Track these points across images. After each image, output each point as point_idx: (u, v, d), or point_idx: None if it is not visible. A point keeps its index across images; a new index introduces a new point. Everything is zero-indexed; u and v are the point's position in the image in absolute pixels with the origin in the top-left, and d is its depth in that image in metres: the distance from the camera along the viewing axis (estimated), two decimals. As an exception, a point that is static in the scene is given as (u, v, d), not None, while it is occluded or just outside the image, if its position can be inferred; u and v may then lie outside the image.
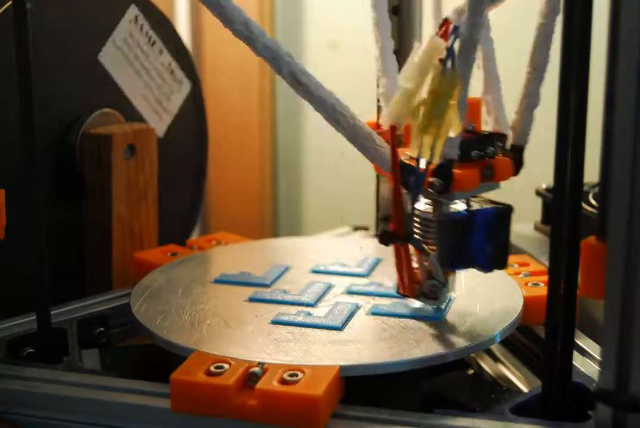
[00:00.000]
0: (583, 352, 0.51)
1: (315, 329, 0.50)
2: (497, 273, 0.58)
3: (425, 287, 0.50)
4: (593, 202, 0.67)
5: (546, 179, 0.66)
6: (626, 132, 0.37)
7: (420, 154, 0.46)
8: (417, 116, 0.45)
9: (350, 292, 0.56)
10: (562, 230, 0.42)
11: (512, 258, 0.62)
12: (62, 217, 0.65)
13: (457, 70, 0.44)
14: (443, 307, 0.52)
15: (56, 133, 0.64)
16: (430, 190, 0.47)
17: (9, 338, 0.53)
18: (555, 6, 0.47)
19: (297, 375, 0.44)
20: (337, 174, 1.25)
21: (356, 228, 0.80)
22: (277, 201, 1.31)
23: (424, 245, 0.49)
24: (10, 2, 0.56)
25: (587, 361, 0.50)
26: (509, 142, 0.51)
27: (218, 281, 0.57)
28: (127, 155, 0.65)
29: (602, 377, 0.40)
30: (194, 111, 0.77)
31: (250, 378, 0.44)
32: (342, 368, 0.45)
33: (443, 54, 0.44)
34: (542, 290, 0.52)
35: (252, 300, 0.54)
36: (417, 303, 0.52)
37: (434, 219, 0.49)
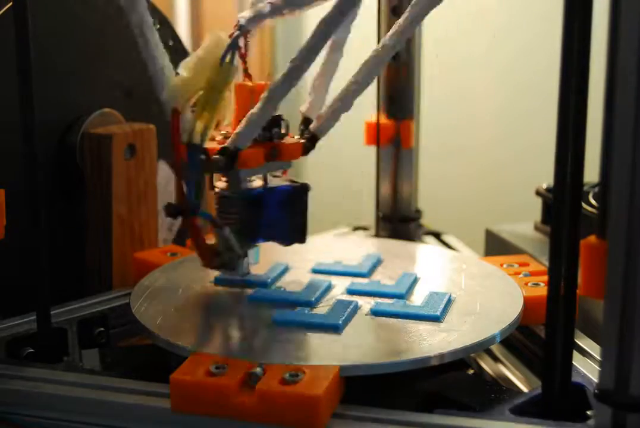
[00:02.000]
0: (583, 352, 0.51)
1: (315, 329, 0.50)
2: (497, 273, 0.59)
3: (223, 259, 0.53)
4: (593, 202, 0.67)
5: (546, 179, 0.66)
6: (626, 132, 0.38)
7: (194, 137, 0.50)
8: (192, 103, 0.50)
9: (350, 292, 0.56)
10: (562, 230, 0.42)
11: (512, 259, 0.62)
12: (62, 216, 0.65)
13: (231, 64, 0.49)
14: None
15: (56, 133, 0.64)
16: (214, 167, 0.51)
17: (9, 338, 0.53)
18: (397, 43, 0.53)
19: (297, 375, 0.43)
20: (337, 173, 1.25)
21: (356, 228, 0.80)
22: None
23: (215, 220, 0.53)
24: (10, 3, 0.56)
25: (587, 361, 0.50)
26: (311, 128, 0.55)
27: (218, 280, 0.57)
28: (127, 155, 0.65)
29: (602, 377, 0.40)
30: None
31: (250, 378, 0.44)
32: (342, 368, 0.45)
33: (223, 49, 0.49)
34: (542, 290, 0.52)
35: (252, 299, 0.54)
36: (417, 303, 0.53)
37: (226, 195, 0.53)
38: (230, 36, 0.50)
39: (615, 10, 0.38)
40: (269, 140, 0.53)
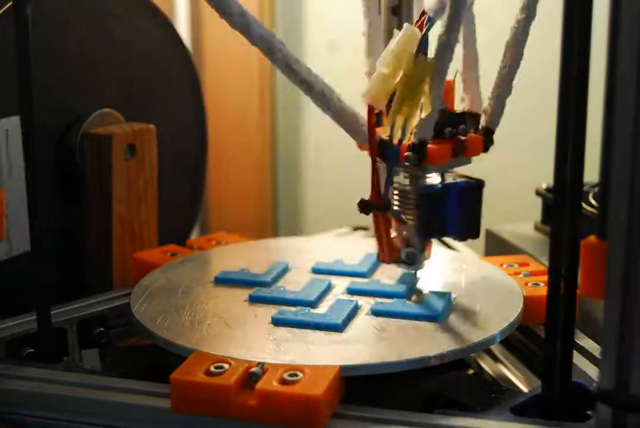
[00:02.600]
0: (583, 352, 0.51)
1: (315, 329, 0.50)
2: (497, 273, 0.59)
3: (403, 254, 0.54)
4: (593, 202, 0.67)
5: (546, 179, 0.66)
6: (626, 132, 0.37)
7: (393, 132, 0.50)
8: (391, 99, 0.49)
9: (351, 292, 0.56)
10: (562, 230, 0.42)
11: (512, 258, 0.62)
12: (62, 217, 0.65)
13: (428, 58, 0.48)
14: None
15: (56, 133, 0.64)
16: (406, 163, 0.50)
17: (9, 338, 0.53)
18: (531, 12, 0.52)
19: (297, 375, 0.43)
20: (337, 173, 1.25)
21: (356, 229, 0.80)
22: (277, 201, 1.31)
23: (402, 216, 0.53)
24: (10, 3, 0.56)
25: (587, 361, 0.50)
26: (482, 123, 0.55)
27: (218, 278, 0.57)
28: (127, 155, 0.65)
29: (602, 377, 0.40)
30: (193, 111, 0.77)
31: (250, 378, 0.44)
32: (342, 368, 0.45)
33: (417, 42, 0.48)
34: (542, 290, 0.52)
35: (252, 299, 0.54)
36: (418, 302, 0.53)
37: (411, 191, 0.53)
38: (419, 28, 0.49)
39: (615, 10, 0.38)
40: (455, 136, 0.52)
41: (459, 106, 0.55)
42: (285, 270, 0.60)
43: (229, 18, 0.46)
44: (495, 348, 0.63)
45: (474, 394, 0.49)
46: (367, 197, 0.52)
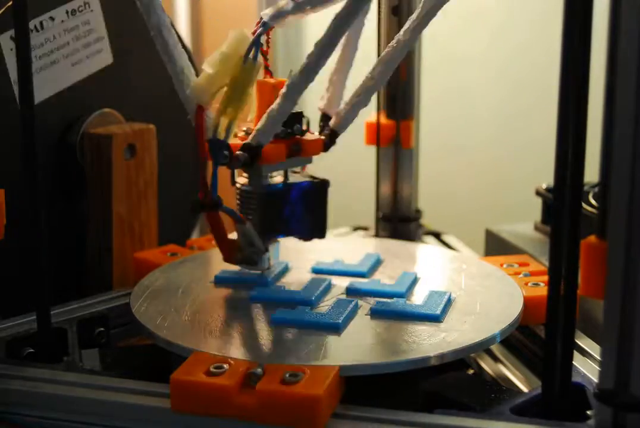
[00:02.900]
0: (583, 352, 0.51)
1: (315, 328, 0.50)
2: (497, 273, 0.59)
3: (245, 254, 0.54)
4: (593, 202, 0.67)
5: (546, 179, 0.66)
6: (626, 132, 0.37)
7: (217, 133, 0.50)
8: (217, 99, 0.51)
9: (350, 291, 0.56)
10: (562, 230, 0.42)
11: (512, 259, 0.62)
12: (62, 216, 0.65)
13: (255, 63, 0.50)
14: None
15: (56, 133, 0.64)
16: (238, 163, 0.51)
17: (9, 338, 0.53)
18: (414, 36, 0.54)
19: (297, 375, 0.43)
20: (337, 173, 1.25)
21: (356, 229, 0.80)
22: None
23: (240, 215, 0.54)
24: (10, 3, 0.56)
25: (587, 361, 0.50)
26: (331, 124, 0.56)
27: (218, 278, 0.57)
28: (127, 155, 0.65)
29: (602, 377, 0.40)
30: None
31: (250, 378, 0.44)
32: (342, 368, 0.45)
33: (246, 46, 0.50)
34: (542, 290, 0.52)
35: (252, 299, 0.54)
36: (418, 302, 0.53)
37: (248, 190, 0.54)
38: (252, 33, 0.50)
39: (616, 9, 0.38)
40: (290, 136, 0.54)
41: (315, 103, 0.56)
42: (285, 270, 0.60)
43: None
44: (495, 348, 0.63)
45: (474, 394, 0.49)
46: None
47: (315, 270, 0.60)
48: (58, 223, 0.64)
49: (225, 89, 0.50)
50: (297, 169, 0.56)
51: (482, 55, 1.21)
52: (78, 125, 0.64)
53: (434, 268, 0.62)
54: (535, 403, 0.46)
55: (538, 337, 0.54)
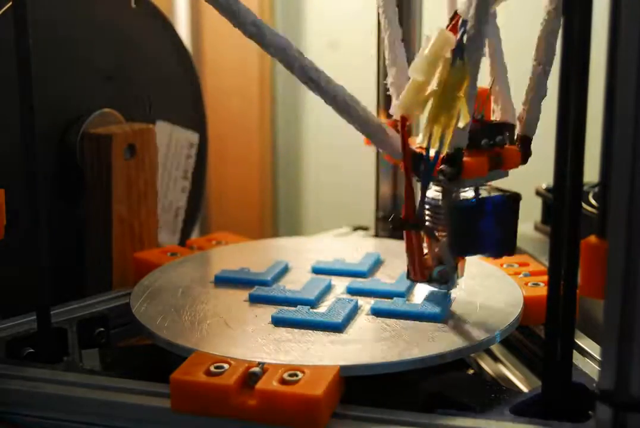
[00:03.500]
0: (583, 352, 0.51)
1: (315, 328, 0.50)
2: (497, 273, 0.59)
3: (435, 273, 0.52)
4: (593, 202, 0.67)
5: (546, 179, 0.66)
6: (626, 132, 0.37)
7: (430, 144, 0.47)
8: (426, 107, 0.47)
9: (351, 291, 0.56)
10: (562, 230, 0.42)
11: (512, 259, 0.62)
12: (62, 216, 0.65)
13: (466, 63, 0.46)
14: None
15: (56, 133, 0.64)
16: (441, 177, 0.48)
17: (9, 338, 0.53)
18: (560, 2, 0.48)
19: (297, 375, 0.43)
20: (337, 173, 1.25)
21: (356, 229, 0.80)
22: (277, 201, 1.31)
23: (435, 232, 0.51)
24: (10, 3, 0.56)
25: (587, 361, 0.50)
26: (517, 132, 0.52)
27: (218, 277, 0.57)
28: (127, 155, 0.65)
29: (602, 377, 0.40)
30: (193, 111, 0.77)
31: (250, 378, 0.44)
32: (342, 368, 0.45)
33: (452, 47, 0.46)
34: (542, 290, 0.52)
35: (252, 298, 0.54)
36: (418, 301, 0.53)
37: (444, 206, 0.50)
38: (452, 32, 0.47)
39: (616, 9, 0.38)
40: (492, 148, 0.50)
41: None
42: (285, 270, 0.60)
43: (243, 28, 0.44)
44: (495, 348, 0.63)
45: (474, 394, 0.49)
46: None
47: (315, 270, 0.60)
48: (58, 223, 0.64)
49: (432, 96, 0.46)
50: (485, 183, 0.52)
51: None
52: (78, 125, 0.64)
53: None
54: (535, 403, 0.46)
55: (538, 337, 0.54)
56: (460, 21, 0.46)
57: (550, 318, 0.43)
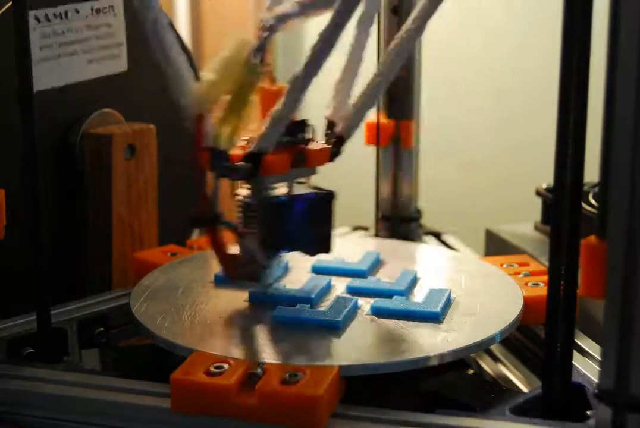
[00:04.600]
0: (583, 352, 0.51)
1: (315, 328, 0.50)
2: (497, 273, 0.59)
3: (247, 270, 0.51)
4: (593, 202, 0.67)
5: (546, 179, 0.66)
6: (626, 131, 0.37)
7: (219, 143, 0.48)
8: (218, 107, 0.48)
9: (351, 291, 0.56)
10: (562, 230, 0.42)
11: (512, 259, 0.62)
12: (62, 216, 0.65)
13: (259, 66, 0.48)
14: (271, 290, 0.55)
15: (56, 133, 0.64)
16: (239, 175, 0.49)
17: (9, 338, 0.53)
18: (422, 24, 0.52)
19: (297, 375, 0.43)
20: (337, 173, 1.25)
21: (356, 229, 0.80)
22: (277, 201, 1.31)
23: (242, 229, 0.51)
24: (10, 3, 0.56)
25: (587, 361, 0.50)
26: (336, 131, 0.53)
27: (218, 277, 0.57)
28: (127, 155, 0.65)
29: (602, 377, 0.40)
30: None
31: (250, 378, 0.44)
32: (342, 368, 0.45)
33: (250, 49, 0.48)
34: (542, 290, 0.52)
35: (252, 297, 0.54)
36: (418, 301, 0.53)
37: (250, 203, 0.51)
38: (256, 36, 0.48)
39: (616, 9, 0.38)
40: (294, 145, 0.51)
41: (323, 112, 0.54)
42: (285, 269, 0.60)
43: None
44: (495, 348, 0.63)
45: (474, 394, 0.49)
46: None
47: (315, 270, 0.60)
48: (57, 223, 0.64)
49: (225, 96, 0.48)
50: (302, 180, 0.53)
51: (482, 55, 1.21)
52: (78, 125, 0.64)
53: (434, 268, 0.62)
54: (535, 403, 0.46)
55: (538, 337, 0.54)
56: (267, 25, 0.48)
57: (550, 318, 0.43)
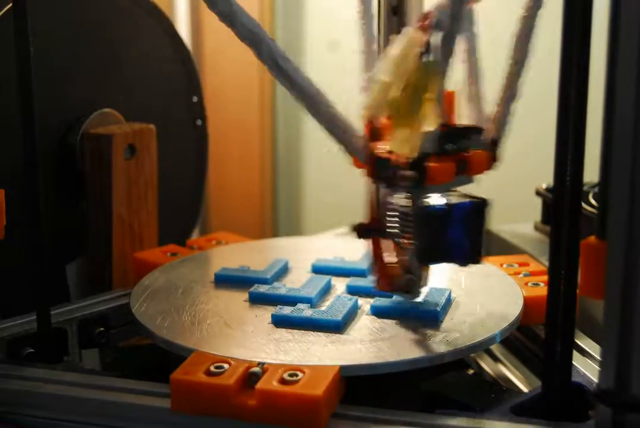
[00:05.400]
0: (583, 352, 0.51)
1: (315, 328, 0.50)
2: (497, 273, 0.59)
3: (401, 282, 0.51)
4: (593, 202, 0.67)
5: (546, 179, 0.66)
6: (626, 131, 0.37)
7: (396, 147, 0.46)
8: (393, 109, 0.45)
9: (350, 290, 0.56)
10: (562, 230, 0.42)
11: (512, 258, 0.62)
12: (62, 216, 0.65)
13: (435, 64, 0.45)
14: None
15: (56, 133, 0.64)
16: (404, 183, 0.47)
17: (9, 338, 0.53)
18: (538, 0, 0.48)
19: (297, 375, 0.43)
20: (337, 173, 1.25)
21: (356, 228, 0.80)
22: (277, 201, 1.31)
23: (402, 239, 0.49)
24: (10, 4, 0.56)
25: (587, 361, 0.50)
26: (488, 136, 0.51)
27: (218, 275, 0.57)
28: (127, 155, 0.65)
29: (602, 377, 0.40)
30: (194, 111, 0.77)
31: (250, 378, 0.44)
32: (342, 368, 0.45)
33: (420, 48, 0.45)
34: (542, 290, 0.52)
35: (252, 296, 0.54)
36: (418, 300, 0.52)
37: (411, 213, 0.49)
38: (421, 30, 0.45)
39: (616, 9, 0.38)
40: (458, 152, 0.48)
41: (460, 122, 0.51)
42: (285, 269, 0.60)
43: (216, 9, 0.43)
44: (495, 348, 0.63)
45: (474, 394, 0.49)
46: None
47: (315, 269, 0.60)
48: (58, 223, 0.64)
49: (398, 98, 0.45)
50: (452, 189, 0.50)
51: (482, 54, 1.21)
52: (78, 125, 0.64)
53: (434, 268, 0.62)
54: (535, 403, 0.46)
55: (538, 337, 0.54)
56: (431, 21, 0.45)
57: (550, 318, 0.43)
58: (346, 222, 0.81)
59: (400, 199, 0.49)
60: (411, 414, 0.44)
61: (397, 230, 0.49)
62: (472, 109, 0.51)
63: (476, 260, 0.49)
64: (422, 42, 0.45)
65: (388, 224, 0.49)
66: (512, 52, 0.50)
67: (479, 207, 0.48)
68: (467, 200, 0.49)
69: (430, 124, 0.45)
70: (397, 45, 0.45)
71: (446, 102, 0.47)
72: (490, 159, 0.50)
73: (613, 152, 0.38)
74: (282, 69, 0.44)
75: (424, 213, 0.48)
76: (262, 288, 0.55)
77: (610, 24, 0.39)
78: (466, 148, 0.48)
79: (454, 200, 0.49)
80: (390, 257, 0.50)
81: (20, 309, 0.55)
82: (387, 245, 0.49)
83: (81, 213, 0.65)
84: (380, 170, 0.46)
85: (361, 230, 0.48)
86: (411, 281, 0.50)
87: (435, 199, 0.49)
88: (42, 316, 0.51)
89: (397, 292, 0.52)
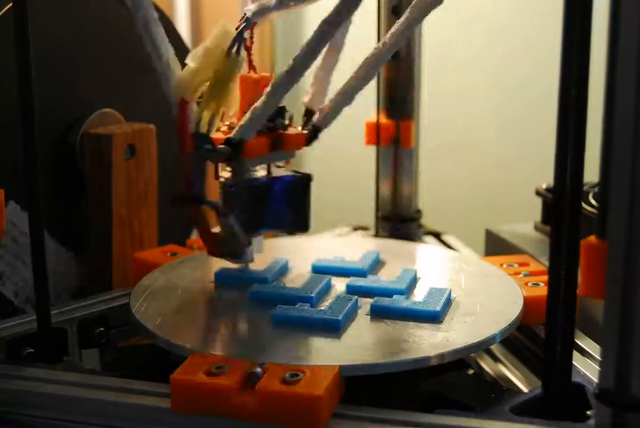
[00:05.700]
0: (583, 352, 0.51)
1: (315, 328, 0.50)
2: (497, 273, 0.59)
3: (228, 248, 0.54)
4: (593, 202, 0.67)
5: (546, 179, 0.66)
6: (626, 131, 0.37)
7: (200, 127, 0.51)
8: (199, 93, 0.51)
9: (350, 290, 0.56)
10: (562, 230, 0.42)
11: (512, 258, 0.62)
12: (62, 216, 0.65)
13: (237, 60, 0.51)
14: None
15: (56, 133, 0.64)
16: (220, 157, 0.51)
17: (9, 338, 0.53)
18: (401, 40, 0.54)
19: (297, 375, 0.43)
20: (338, 173, 1.25)
21: (356, 228, 0.80)
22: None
23: (221, 208, 0.53)
24: (10, 4, 0.56)
25: (587, 361, 0.50)
26: (314, 120, 0.56)
27: (218, 277, 0.57)
28: (127, 155, 0.65)
29: (602, 377, 0.40)
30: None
31: (250, 378, 0.44)
32: (342, 368, 0.45)
33: (230, 40, 0.50)
34: (542, 290, 0.52)
35: (252, 296, 0.54)
36: (419, 300, 0.53)
37: (231, 184, 0.53)
38: (236, 28, 0.51)
39: (616, 9, 0.38)
40: (273, 130, 0.54)
41: (300, 99, 0.57)
42: (285, 269, 0.60)
43: None
44: (495, 348, 0.63)
45: (474, 394, 0.49)
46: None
47: (315, 269, 0.60)
48: (58, 223, 0.64)
49: (208, 83, 0.51)
50: (281, 164, 0.57)
51: (482, 55, 1.21)
52: (78, 125, 0.64)
53: (434, 268, 0.62)
54: (535, 403, 0.46)
55: (538, 337, 0.54)
56: (244, 19, 0.51)
57: (550, 318, 0.43)
58: (346, 222, 0.81)
59: (225, 172, 0.54)
60: (411, 414, 0.44)
61: (222, 201, 0.54)
62: (315, 91, 0.57)
63: (302, 229, 0.56)
64: (232, 35, 0.51)
65: (203, 193, 0.53)
66: (359, 67, 0.55)
67: (300, 180, 0.55)
68: (291, 174, 0.55)
69: (232, 108, 0.52)
70: (210, 37, 0.51)
71: (263, 83, 0.52)
72: (307, 138, 0.56)
73: (613, 152, 0.38)
74: (151, 34, 0.50)
75: (246, 185, 0.53)
76: (262, 288, 0.55)
77: (610, 24, 0.39)
78: (281, 125, 0.54)
79: (279, 174, 0.55)
80: (213, 225, 0.54)
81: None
82: (211, 213, 0.53)
83: (81, 213, 0.65)
84: (201, 145, 0.51)
85: (176, 200, 0.53)
86: (238, 247, 0.54)
87: (261, 172, 0.55)
88: (42, 316, 0.51)
89: (226, 257, 0.56)
